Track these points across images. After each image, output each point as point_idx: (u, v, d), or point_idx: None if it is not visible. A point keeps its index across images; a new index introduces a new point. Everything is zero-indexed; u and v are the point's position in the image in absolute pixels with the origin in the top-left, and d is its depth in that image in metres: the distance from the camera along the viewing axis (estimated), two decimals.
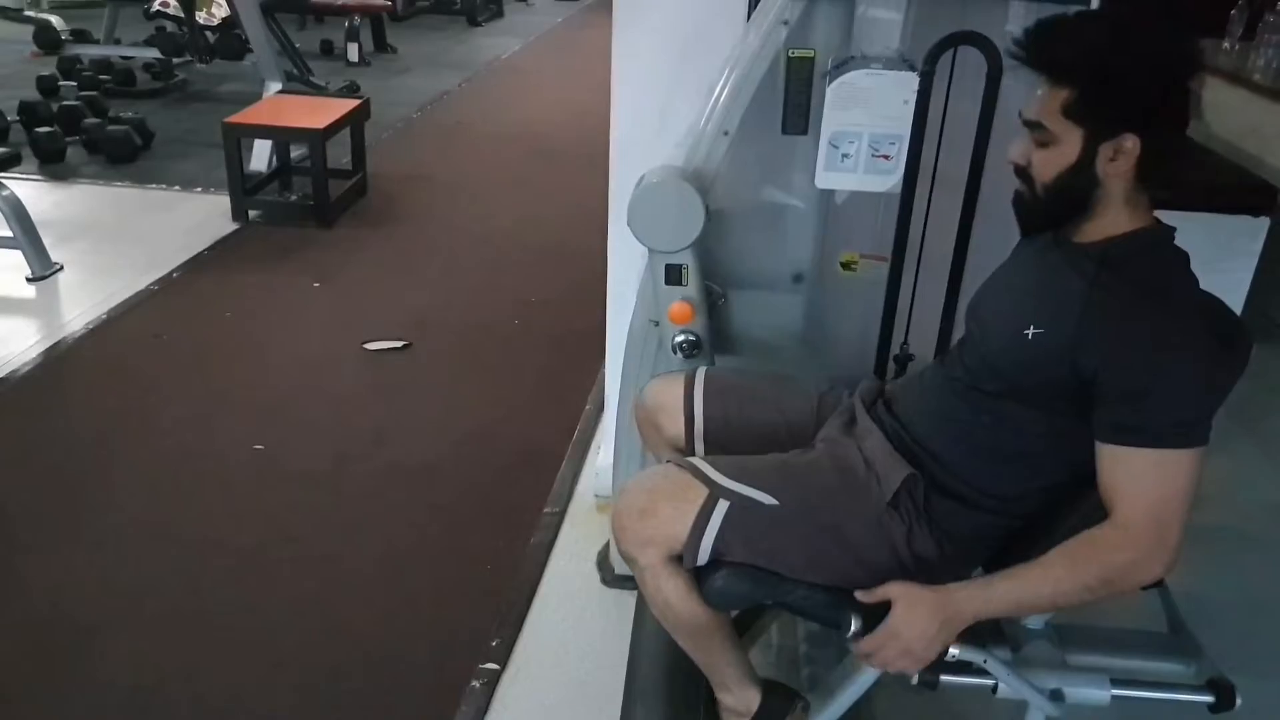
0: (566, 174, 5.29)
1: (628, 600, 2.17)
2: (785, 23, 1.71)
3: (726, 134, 1.79)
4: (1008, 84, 1.70)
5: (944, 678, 1.43)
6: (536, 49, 9.20)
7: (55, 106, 5.48)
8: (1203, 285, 1.35)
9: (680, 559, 1.39)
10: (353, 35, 7.74)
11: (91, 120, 5.30)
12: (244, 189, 4.42)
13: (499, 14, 10.58)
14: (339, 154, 4.77)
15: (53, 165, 5.03)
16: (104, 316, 3.50)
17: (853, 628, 1.33)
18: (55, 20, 7.06)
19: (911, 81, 1.72)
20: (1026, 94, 1.77)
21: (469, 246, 4.37)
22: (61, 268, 3.84)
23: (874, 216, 1.89)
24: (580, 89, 7.28)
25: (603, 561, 2.35)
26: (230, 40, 4.86)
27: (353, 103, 4.64)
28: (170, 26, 5.79)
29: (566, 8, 11.44)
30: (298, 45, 6.79)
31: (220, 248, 4.18)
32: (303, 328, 3.56)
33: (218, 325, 3.54)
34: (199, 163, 5.08)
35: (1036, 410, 1.30)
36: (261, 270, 3.99)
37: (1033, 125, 1.28)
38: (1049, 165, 1.28)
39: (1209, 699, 1.45)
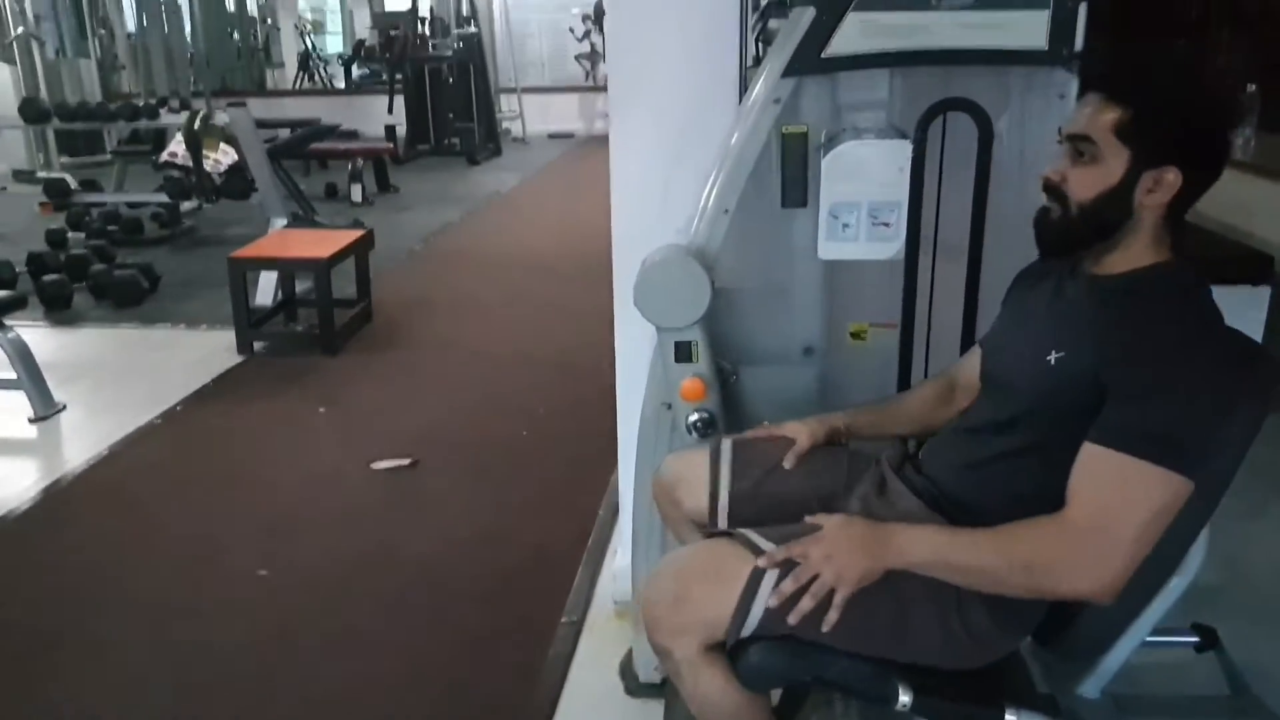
0: (568, 292, 5.34)
1: (654, 709, 2.05)
2: (777, 101, 1.74)
3: (727, 212, 1.79)
4: (998, 146, 1.73)
5: None
6: (534, 183, 9.48)
7: (62, 256, 5.59)
8: None
9: (719, 646, 1.31)
10: (356, 177, 7.99)
11: (99, 267, 5.40)
12: (249, 322, 4.45)
13: (497, 152, 10.96)
14: (343, 284, 4.83)
15: (59, 312, 5.09)
16: (105, 452, 3.46)
17: (901, 699, 1.24)
18: (67, 177, 7.31)
19: (905, 149, 1.73)
20: (1018, 156, 1.81)
21: (474, 365, 4.36)
22: (64, 407, 3.83)
23: (880, 284, 1.87)
24: (577, 216, 7.44)
25: (625, 669, 2.23)
26: (236, 181, 5.01)
27: (356, 233, 4.74)
28: (178, 175, 5.98)
29: (561, 145, 11.87)
30: (302, 189, 7.00)
31: (224, 380, 4.18)
32: (309, 450, 3.51)
33: (221, 452, 3.50)
34: (205, 302, 5.14)
35: (1059, 442, 1.25)
36: (266, 399, 3.98)
37: (1078, 139, 1.26)
38: (1088, 183, 1.26)
39: None
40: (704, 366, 1.81)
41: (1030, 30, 1.66)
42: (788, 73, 1.72)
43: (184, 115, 5.21)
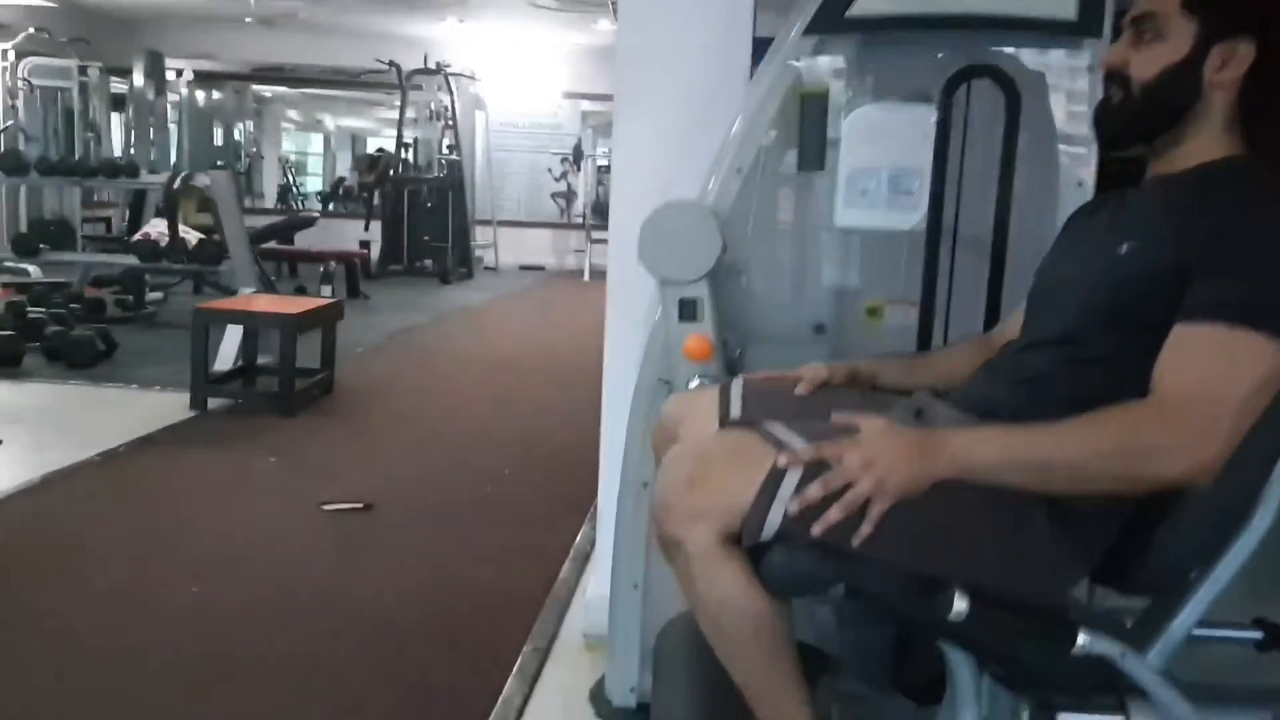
0: (532, 386, 5.23)
1: None
2: (797, 60, 1.71)
3: (740, 171, 1.73)
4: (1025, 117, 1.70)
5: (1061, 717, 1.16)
6: (504, 301, 9.49)
7: (16, 319, 5.36)
8: None
9: (738, 541, 1.13)
10: (326, 279, 7.93)
11: (54, 329, 5.19)
12: (206, 379, 4.25)
13: (469, 276, 11.02)
14: (307, 359, 4.67)
15: (7, 368, 4.83)
16: (36, 480, 3.20)
17: (956, 606, 1.05)
18: (33, 270, 7.13)
19: (929, 114, 1.70)
20: (1043, 127, 1.78)
21: (436, 435, 4.18)
22: (0, 441, 3.56)
23: (899, 258, 1.80)
24: (544, 326, 7.52)
25: (596, 695, 1.99)
26: (208, 247, 4.90)
27: (325, 300, 4.62)
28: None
29: (532, 275, 11.99)
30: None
31: (172, 430, 3.95)
32: (254, 492, 3.28)
33: (160, 490, 3.26)
34: (161, 369, 4.92)
35: (1127, 347, 1.13)
36: (214, 447, 3.76)
37: (1142, 19, 1.19)
38: (1153, 61, 1.17)
39: None
40: (709, 328, 1.69)
41: (1059, 0, 1.66)
42: (809, 30, 1.69)
43: (163, 176, 5.16)
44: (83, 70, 9.00)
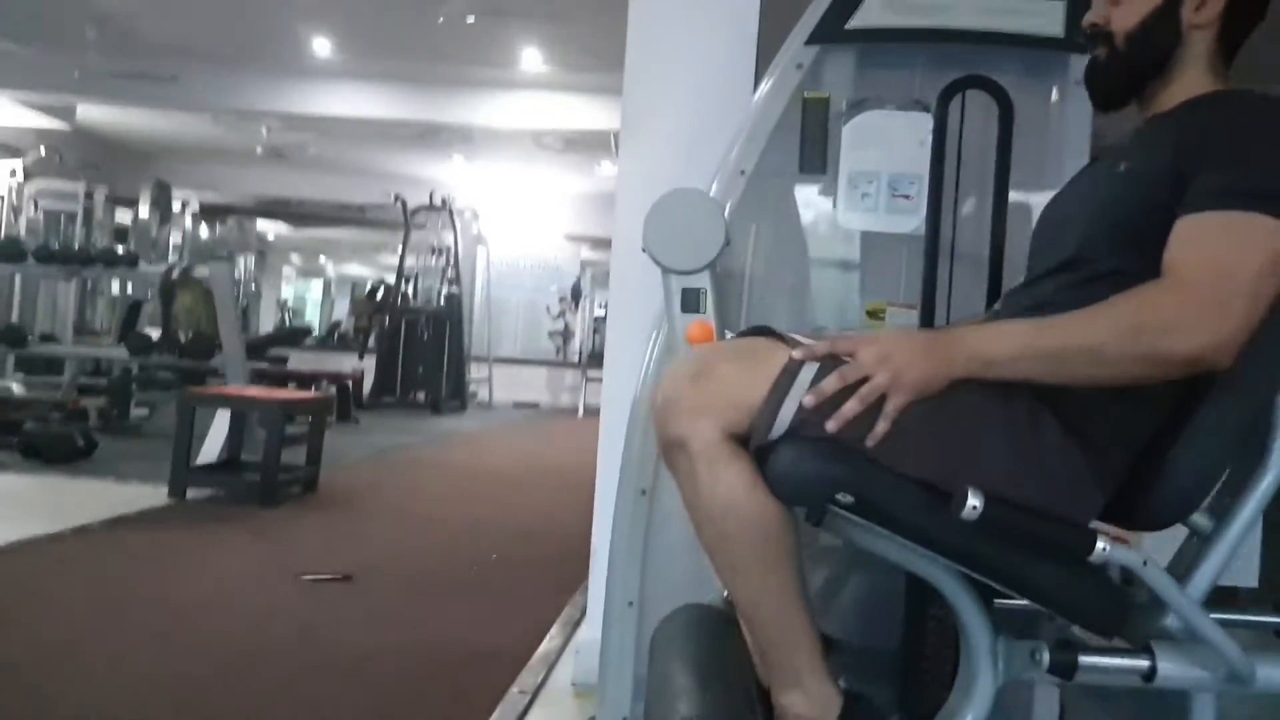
0: (521, 493, 5.15)
1: None
2: (799, 67, 1.76)
3: (744, 173, 1.75)
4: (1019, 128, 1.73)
5: (1083, 659, 1.08)
6: (495, 430, 9.43)
7: None
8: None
9: (744, 442, 1.07)
10: None
11: (32, 424, 5.09)
12: (187, 467, 4.15)
13: (462, 408, 10.99)
14: (291, 457, 4.59)
15: None
16: (3, 545, 3.06)
17: (970, 503, 0.99)
18: (15, 387, 7.07)
19: (925, 122, 1.73)
20: (1038, 137, 1.81)
21: (422, 526, 4.05)
22: None
23: (898, 262, 1.79)
24: (533, 451, 7.52)
25: None
26: (201, 341, 4.89)
27: (316, 394, 4.57)
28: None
29: (525, 411, 11.97)
30: None
31: (149, 513, 3.82)
32: (230, 564, 3.14)
33: (132, 561, 3.11)
34: (141, 466, 4.81)
35: (1130, 261, 1.11)
36: (190, 528, 3.63)
37: None
38: (1131, 12, 1.21)
39: None
40: (712, 319, 1.67)
41: (1048, 17, 1.73)
42: (811, 40, 1.76)
43: (161, 266, 5.20)
44: (89, 195, 9.24)
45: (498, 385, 12.31)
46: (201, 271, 5.05)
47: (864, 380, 1.05)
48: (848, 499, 1.05)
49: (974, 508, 0.99)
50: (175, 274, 5.04)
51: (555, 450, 7.56)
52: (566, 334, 13.03)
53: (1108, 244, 1.15)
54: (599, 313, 13.26)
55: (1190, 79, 1.21)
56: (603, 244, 11.12)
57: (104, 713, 1.84)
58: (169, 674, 2.08)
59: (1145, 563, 1.03)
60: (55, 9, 7.12)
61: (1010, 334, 1.07)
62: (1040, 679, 1.18)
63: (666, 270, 1.67)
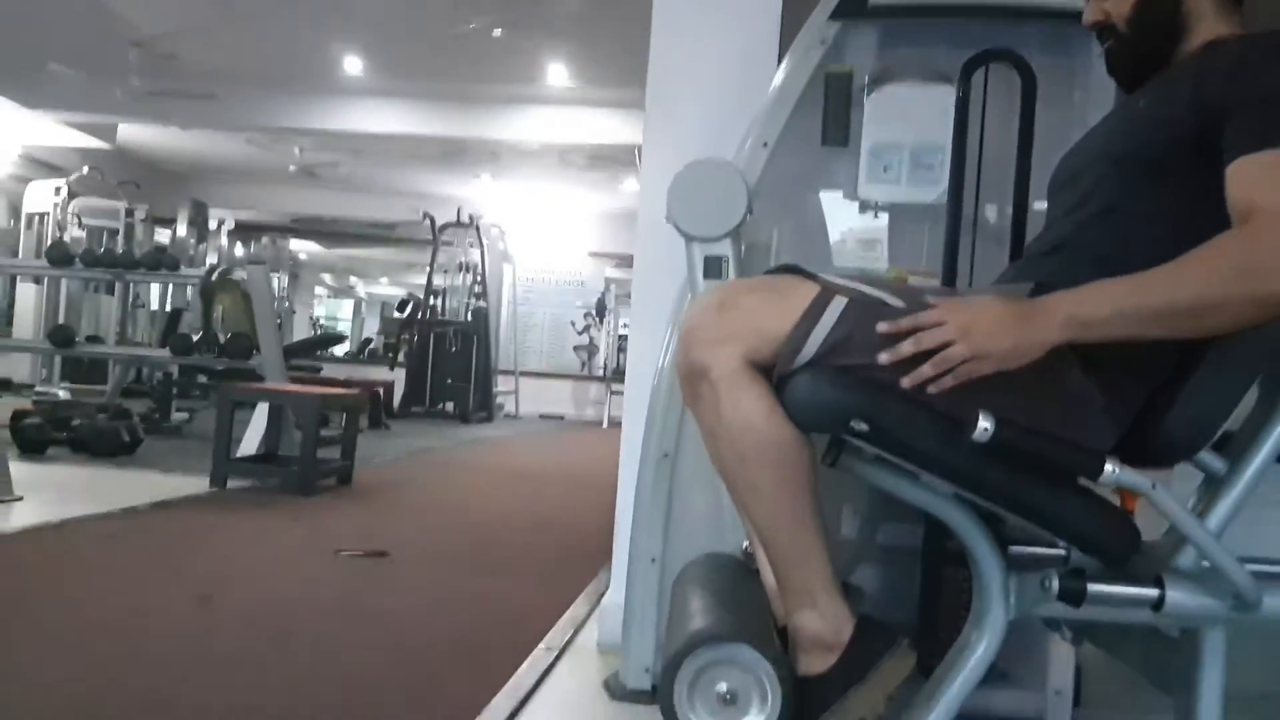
0: (547, 488, 5.25)
1: (642, 714, 1.73)
2: (822, 42, 1.83)
3: (766, 145, 1.82)
4: (1041, 101, 1.78)
5: (1092, 588, 1.12)
6: (521, 438, 9.52)
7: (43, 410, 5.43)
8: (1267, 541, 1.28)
9: (764, 371, 1.13)
10: None
11: (80, 420, 5.24)
12: (227, 457, 4.26)
13: (489, 419, 11.09)
14: (327, 456, 4.70)
15: (32, 454, 4.86)
16: (55, 521, 3.17)
17: (981, 424, 1.04)
18: (61, 393, 7.28)
19: (949, 94, 1.79)
20: (1061, 109, 1.86)
21: (452, 514, 4.14)
22: (21, 498, 3.55)
23: (920, 234, 1.85)
24: (558, 454, 7.68)
25: (610, 681, 1.90)
26: (240, 341, 5.01)
27: (349, 390, 4.67)
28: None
29: (550, 423, 12.05)
30: None
31: (192, 500, 3.93)
32: (270, 542, 3.24)
33: (178, 538, 3.22)
34: (184, 460, 4.93)
35: (1152, 192, 1.16)
36: (231, 513, 3.72)
37: None
38: (1124, 0, 1.27)
39: None
40: None
41: None
42: (834, 15, 1.82)
43: (201, 270, 5.34)
44: (129, 213, 9.48)
45: (524, 397, 12.42)
46: (240, 274, 5.20)
47: (944, 345, 1.06)
48: (862, 426, 1.10)
49: (985, 429, 1.04)
50: (214, 276, 5.18)
51: (579, 456, 7.64)
52: (591, 349, 13.13)
53: (1125, 178, 1.20)
54: (623, 329, 13.36)
55: (1204, 29, 1.25)
56: (626, 261, 11.22)
57: (151, 674, 1.91)
58: (214, 638, 2.15)
59: (1154, 486, 1.07)
60: (98, 33, 7.36)
61: (1110, 293, 1.07)
62: (1051, 611, 1.21)
63: (690, 238, 1.74)
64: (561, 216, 12.80)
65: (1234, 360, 1.15)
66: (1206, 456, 1.19)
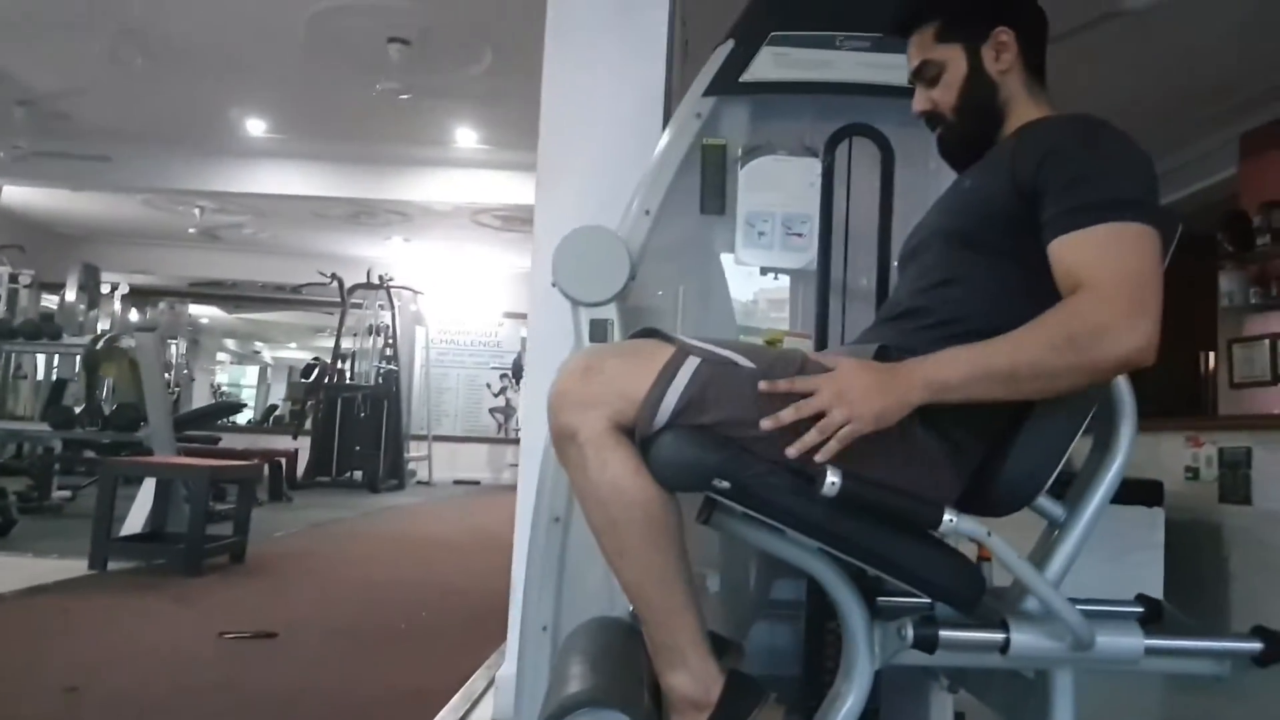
0: (455, 556, 5.15)
1: None
2: (699, 116, 1.91)
3: (648, 213, 1.88)
4: (900, 170, 1.89)
5: (944, 634, 1.17)
6: (433, 506, 9.34)
7: None
8: (1115, 578, 1.38)
9: (629, 433, 1.16)
10: None
11: None
12: (108, 537, 4.07)
13: (400, 486, 10.86)
14: (220, 529, 4.54)
15: None
16: None
17: (829, 479, 1.09)
18: None
19: (815, 166, 1.89)
20: (916, 181, 1.97)
21: (351, 585, 4.04)
22: None
23: (795, 296, 1.92)
24: (471, 521, 7.50)
25: None
26: (126, 412, 4.83)
27: (244, 462, 4.54)
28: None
29: (465, 489, 11.84)
30: None
31: (67, 583, 3.73)
32: (147, 626, 3.09)
33: (46, 623, 3.05)
34: (62, 543, 4.68)
35: (981, 265, 1.25)
36: (109, 596, 3.54)
37: (920, 70, 1.42)
38: (948, 91, 1.40)
39: (1256, 646, 1.20)
40: None
41: None
42: (708, 92, 1.91)
43: (86, 338, 5.13)
44: (12, 278, 9.10)
45: (438, 463, 12.19)
46: (127, 342, 5.02)
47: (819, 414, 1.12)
48: (724, 484, 1.14)
49: (833, 484, 1.09)
50: (100, 344, 5.00)
51: (492, 520, 7.50)
52: (508, 410, 13.02)
53: (955, 252, 1.29)
54: None
55: (1020, 111, 1.38)
56: None
57: None
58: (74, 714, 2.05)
59: (989, 533, 1.12)
60: None
61: (960, 359, 1.14)
62: (912, 659, 1.25)
63: (575, 303, 1.78)
64: (475, 277, 12.76)
65: (1057, 414, 1.23)
66: (1046, 503, 1.26)
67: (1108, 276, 1.12)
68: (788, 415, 1.12)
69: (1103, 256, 1.14)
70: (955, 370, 1.14)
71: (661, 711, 1.21)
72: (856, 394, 1.11)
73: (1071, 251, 1.16)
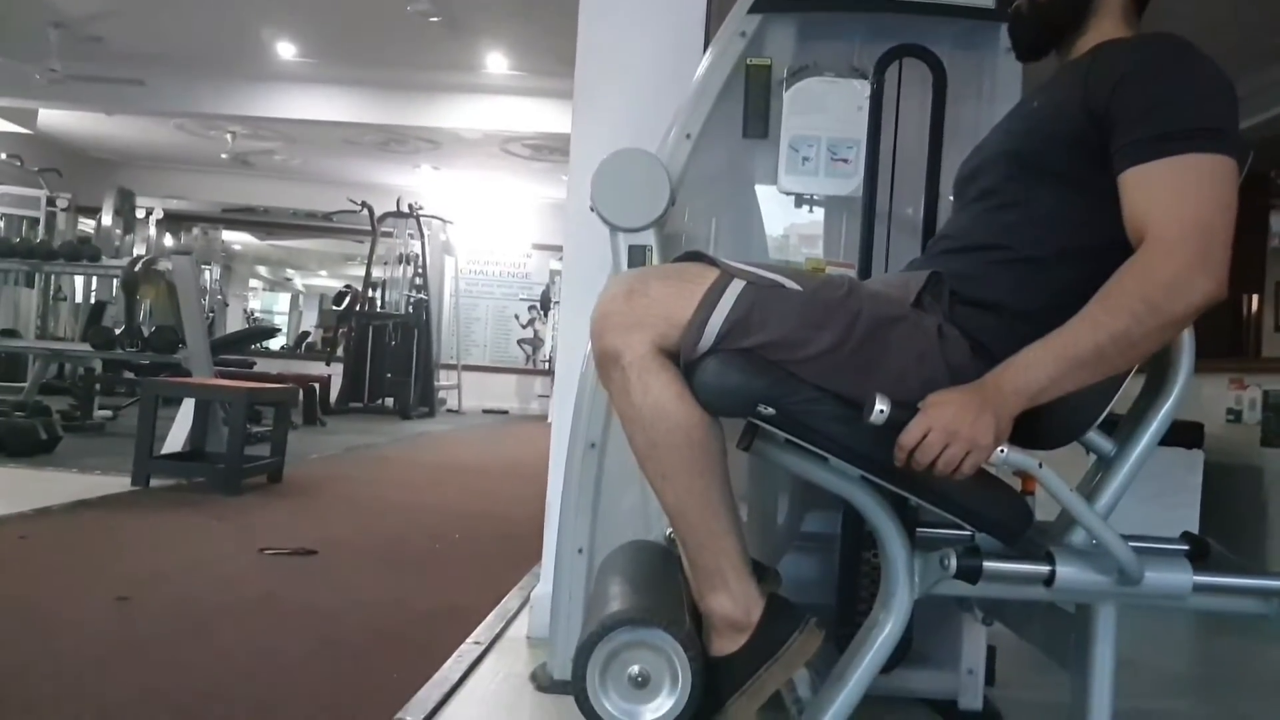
0: (487, 482, 5.23)
1: (566, 706, 1.73)
2: (743, 35, 1.85)
3: (689, 137, 1.84)
4: (953, 96, 1.82)
5: (988, 564, 1.16)
6: (464, 433, 9.45)
7: None
8: (1153, 520, 1.34)
9: (674, 357, 1.15)
10: None
11: None
12: (150, 455, 4.15)
13: (430, 414, 10.99)
14: (257, 450, 4.62)
15: None
16: None
17: (877, 407, 1.07)
18: None
19: (863, 89, 1.83)
20: (969, 108, 1.91)
21: (386, 507, 4.11)
22: None
23: (838, 225, 1.88)
24: (501, 449, 7.60)
25: (538, 673, 1.90)
26: (165, 334, 4.88)
27: (283, 385, 4.59)
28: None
29: (494, 418, 11.97)
30: None
31: (112, 498, 3.82)
32: (190, 541, 3.16)
33: (94, 534, 3.13)
34: (105, 459, 4.80)
35: (1041, 190, 1.21)
36: (152, 511, 3.63)
37: None
38: None
39: None
40: None
41: None
42: (754, 9, 1.85)
43: (124, 260, 5.18)
44: (50, 201, 9.16)
45: (467, 392, 12.31)
46: (165, 265, 5.06)
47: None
48: (769, 410, 1.13)
49: (881, 411, 1.07)
50: (139, 267, 5.04)
51: (521, 450, 7.60)
52: (536, 342, 13.06)
53: (1012, 173, 1.25)
54: None
55: (1104, 28, 1.31)
56: None
57: (63, 667, 1.86)
58: (129, 633, 2.11)
59: (1040, 464, 1.11)
60: (15, 13, 7.10)
61: (1044, 359, 1.11)
62: (953, 590, 1.25)
63: (614, 228, 1.75)
64: (504, 207, 12.69)
65: None
66: (1096, 438, 1.24)
67: (1175, 224, 1.09)
68: (911, 465, 1.09)
69: (1172, 199, 1.10)
70: (1042, 372, 1.10)
71: (701, 633, 1.22)
72: (965, 425, 1.07)
73: (1141, 189, 1.13)
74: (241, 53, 8.01)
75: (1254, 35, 4.80)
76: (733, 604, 1.19)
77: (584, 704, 1.18)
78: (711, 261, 1.20)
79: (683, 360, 1.15)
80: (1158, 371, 1.28)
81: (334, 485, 4.78)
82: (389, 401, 10.67)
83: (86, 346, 5.10)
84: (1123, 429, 1.28)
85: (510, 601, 2.44)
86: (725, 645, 1.20)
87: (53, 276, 8.09)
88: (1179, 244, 1.08)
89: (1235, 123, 1.15)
